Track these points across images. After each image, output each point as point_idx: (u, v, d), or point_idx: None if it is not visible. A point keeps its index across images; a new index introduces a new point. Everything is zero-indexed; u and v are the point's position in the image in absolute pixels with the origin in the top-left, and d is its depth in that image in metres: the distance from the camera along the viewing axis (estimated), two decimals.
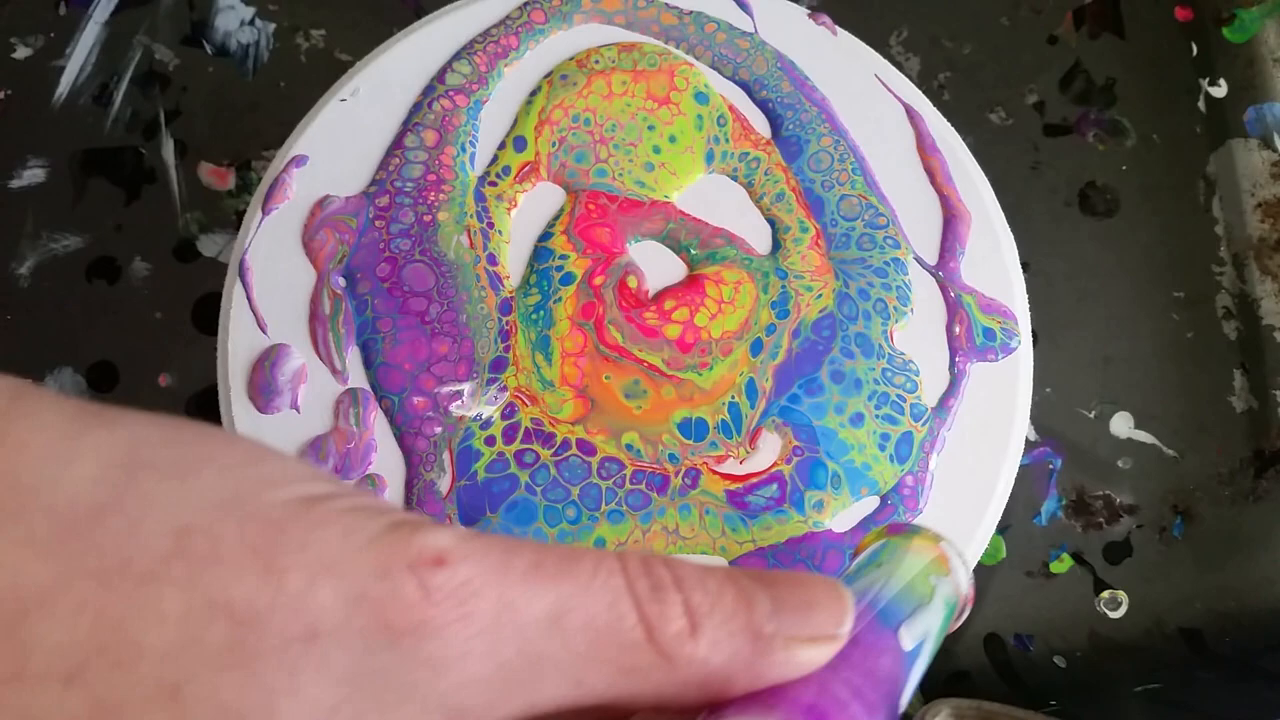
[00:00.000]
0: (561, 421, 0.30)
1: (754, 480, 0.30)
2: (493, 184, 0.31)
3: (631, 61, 0.32)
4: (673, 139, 0.32)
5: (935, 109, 0.33)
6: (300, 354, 0.30)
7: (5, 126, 0.39)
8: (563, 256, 0.31)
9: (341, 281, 0.30)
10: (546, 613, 0.13)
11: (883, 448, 0.30)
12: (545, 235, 0.31)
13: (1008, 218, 0.32)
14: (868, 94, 0.32)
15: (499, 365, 0.30)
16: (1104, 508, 0.38)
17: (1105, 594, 0.37)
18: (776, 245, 0.31)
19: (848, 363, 0.30)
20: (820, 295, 0.31)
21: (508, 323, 0.30)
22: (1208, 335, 0.39)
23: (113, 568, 0.11)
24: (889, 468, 0.30)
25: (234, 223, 0.39)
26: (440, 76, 0.32)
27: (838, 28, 0.33)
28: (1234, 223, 0.40)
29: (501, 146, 0.32)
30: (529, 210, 0.31)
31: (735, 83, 0.32)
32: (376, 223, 0.31)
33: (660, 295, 0.31)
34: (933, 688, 0.36)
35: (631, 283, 0.31)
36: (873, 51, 0.33)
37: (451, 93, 0.32)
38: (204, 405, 0.37)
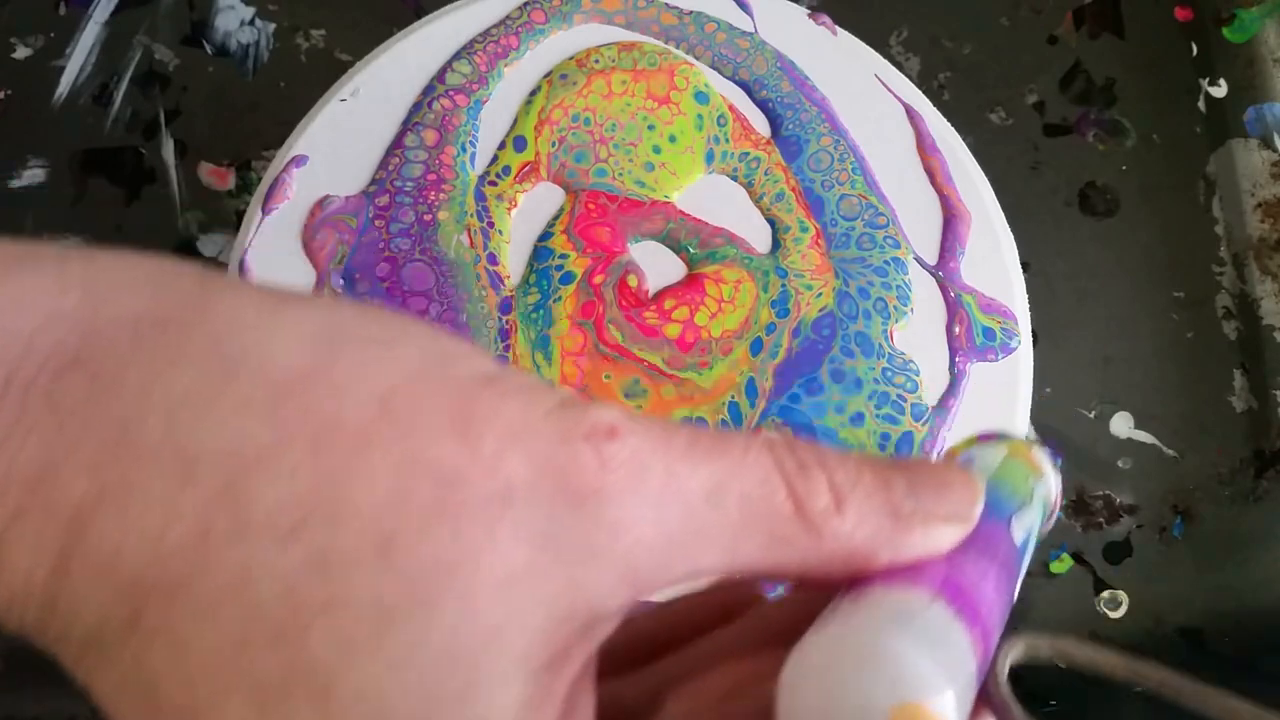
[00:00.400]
0: None
1: None
2: (493, 183, 0.31)
3: (631, 61, 0.32)
4: (673, 139, 0.32)
5: (935, 109, 0.33)
6: None
7: (5, 126, 0.39)
8: (563, 256, 0.31)
9: (340, 283, 0.30)
10: (705, 486, 0.13)
11: (883, 447, 0.30)
12: (545, 235, 0.31)
13: (1008, 218, 0.32)
14: (868, 94, 0.32)
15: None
16: (1104, 508, 0.38)
17: (1105, 594, 0.37)
18: (776, 245, 0.31)
19: (848, 362, 0.30)
20: (820, 294, 0.31)
21: (508, 321, 0.30)
22: (1208, 335, 0.39)
23: (325, 430, 0.12)
24: None
25: (234, 223, 0.39)
26: (440, 76, 0.32)
27: (838, 28, 0.33)
28: (1234, 223, 0.40)
29: (501, 146, 0.32)
30: (529, 210, 0.31)
31: (735, 82, 0.32)
32: (376, 222, 0.31)
33: (660, 294, 0.31)
34: None
35: (632, 282, 0.31)
36: (873, 51, 0.33)
37: (451, 92, 0.32)
38: None
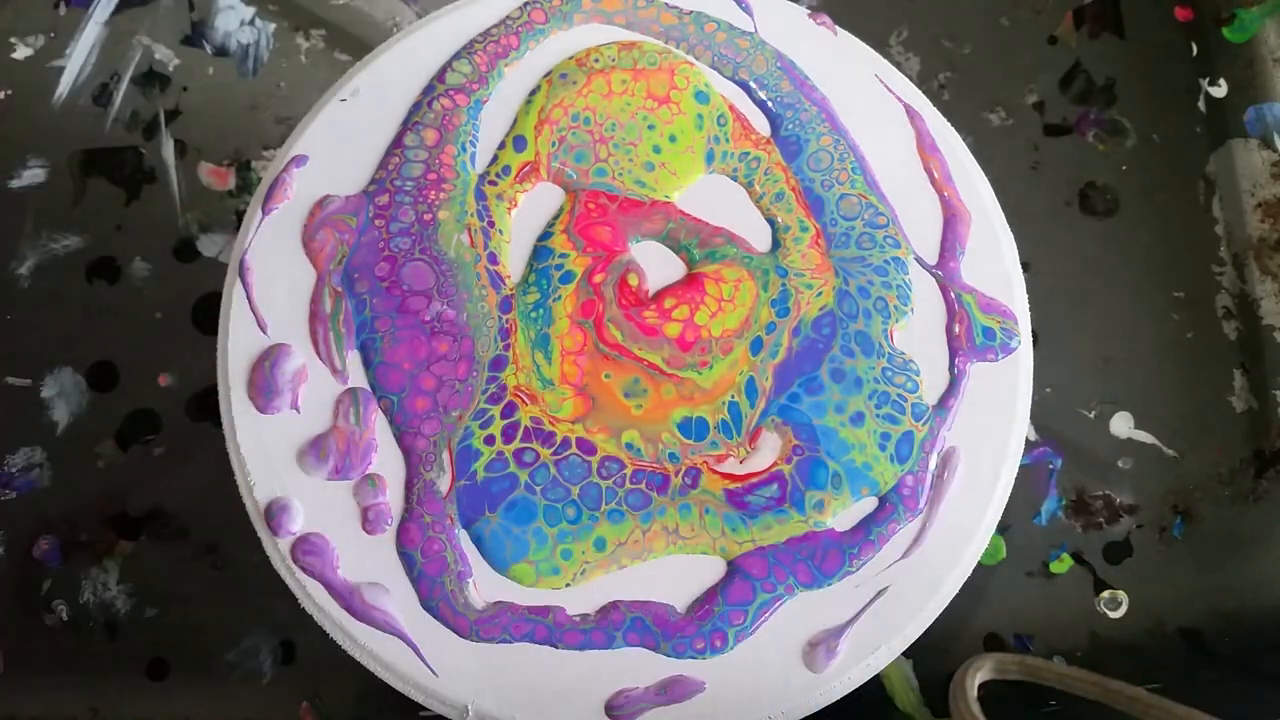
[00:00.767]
0: (561, 420, 0.30)
1: (754, 480, 0.30)
2: (493, 183, 0.31)
3: (631, 60, 0.32)
4: (673, 138, 0.32)
5: (935, 109, 0.33)
6: (300, 354, 0.30)
7: (5, 126, 0.39)
8: (563, 255, 0.31)
9: (340, 283, 0.30)
10: None
11: (883, 447, 0.30)
12: (545, 234, 0.31)
13: (1008, 218, 0.32)
14: (868, 94, 0.32)
15: (499, 364, 0.30)
16: (1104, 508, 0.38)
17: (1105, 594, 0.37)
18: (776, 245, 0.31)
19: (848, 361, 0.30)
20: (820, 293, 0.31)
21: (508, 321, 0.30)
22: (1208, 335, 0.39)
23: None
24: (889, 467, 0.30)
25: (234, 223, 0.39)
26: (440, 76, 0.32)
27: (838, 28, 0.33)
28: (1234, 223, 0.40)
29: (501, 146, 0.32)
30: (529, 209, 0.31)
31: (735, 82, 0.32)
32: (376, 221, 0.31)
33: (660, 293, 0.31)
34: (935, 685, 0.36)
35: (632, 280, 0.31)
36: (873, 51, 0.33)
37: (451, 92, 0.32)
38: (204, 405, 0.37)
